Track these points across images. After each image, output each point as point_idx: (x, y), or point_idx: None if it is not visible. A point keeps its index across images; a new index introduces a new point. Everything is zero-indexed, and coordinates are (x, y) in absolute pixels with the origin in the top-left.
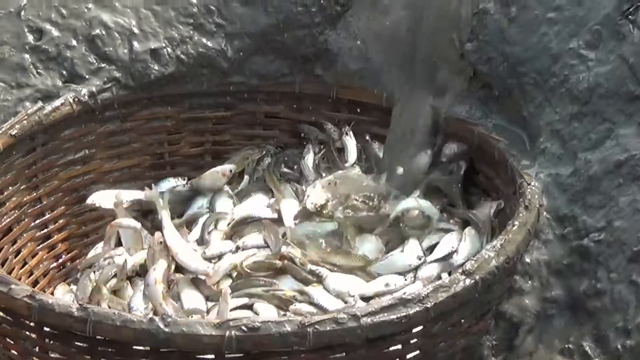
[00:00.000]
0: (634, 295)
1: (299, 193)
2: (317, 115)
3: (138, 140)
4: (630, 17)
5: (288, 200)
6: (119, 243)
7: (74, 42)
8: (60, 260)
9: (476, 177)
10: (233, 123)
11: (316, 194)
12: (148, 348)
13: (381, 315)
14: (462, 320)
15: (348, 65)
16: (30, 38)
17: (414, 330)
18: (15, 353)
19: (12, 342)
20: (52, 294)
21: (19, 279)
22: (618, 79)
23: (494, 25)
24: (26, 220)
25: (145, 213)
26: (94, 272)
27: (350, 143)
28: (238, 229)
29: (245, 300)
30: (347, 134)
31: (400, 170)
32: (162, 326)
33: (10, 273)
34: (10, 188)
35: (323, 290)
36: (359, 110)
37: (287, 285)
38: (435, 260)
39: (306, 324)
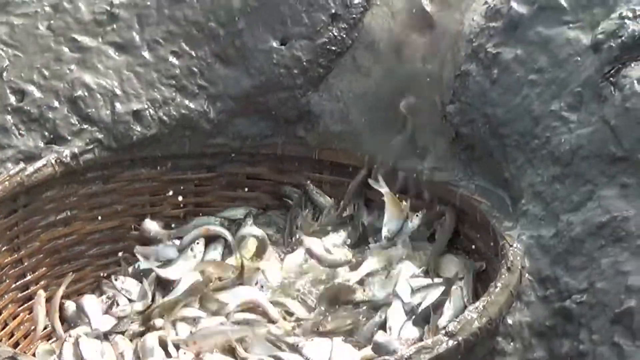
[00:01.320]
0: (616, 357)
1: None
2: (299, 177)
3: (120, 202)
4: (611, 79)
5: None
6: None
7: (56, 103)
8: None
9: (458, 239)
10: (215, 184)
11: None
12: None
13: None
14: None
15: (330, 127)
16: (12, 99)
17: None
18: None
19: None
20: (33, 355)
21: (0, 340)
22: (600, 140)
23: (476, 87)
24: (7, 281)
25: None
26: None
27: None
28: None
29: None
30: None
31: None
32: None
33: None
34: None
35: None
36: (341, 172)
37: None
38: (419, 320)
39: None
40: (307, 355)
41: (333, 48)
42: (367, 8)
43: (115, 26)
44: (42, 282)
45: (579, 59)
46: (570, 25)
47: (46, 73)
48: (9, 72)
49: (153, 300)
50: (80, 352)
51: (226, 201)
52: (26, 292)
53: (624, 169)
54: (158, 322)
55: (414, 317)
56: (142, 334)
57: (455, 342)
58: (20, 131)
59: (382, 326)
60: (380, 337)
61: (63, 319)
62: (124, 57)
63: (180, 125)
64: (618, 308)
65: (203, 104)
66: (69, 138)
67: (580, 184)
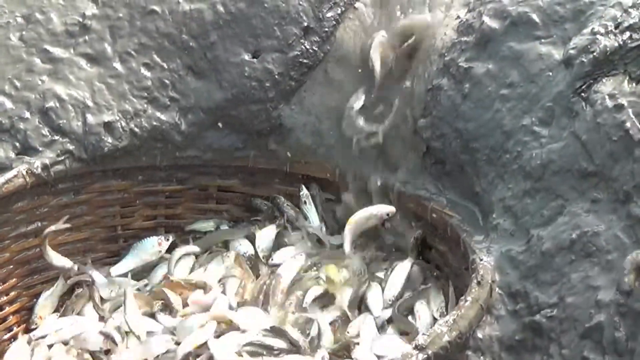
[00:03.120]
0: None
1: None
2: (270, 190)
3: (91, 213)
4: (582, 94)
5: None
6: None
7: (28, 114)
8: (12, 333)
9: (429, 253)
10: (186, 197)
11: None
12: None
13: None
14: None
15: (302, 140)
16: None
17: None
18: None
19: None
20: None
21: None
22: (571, 155)
23: (447, 102)
24: None
25: None
26: None
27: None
28: None
29: None
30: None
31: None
32: None
33: None
34: None
35: None
36: (312, 184)
37: None
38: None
39: None
40: None
41: (305, 61)
42: (339, 22)
43: (87, 38)
44: (12, 293)
45: (550, 74)
46: (542, 40)
47: (18, 84)
48: None
49: None
50: None
51: (197, 213)
52: None
53: (594, 184)
54: None
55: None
56: None
57: (425, 356)
58: None
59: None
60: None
61: None
62: (95, 69)
63: (151, 137)
64: (588, 323)
65: (174, 116)
66: (40, 149)
67: (550, 198)
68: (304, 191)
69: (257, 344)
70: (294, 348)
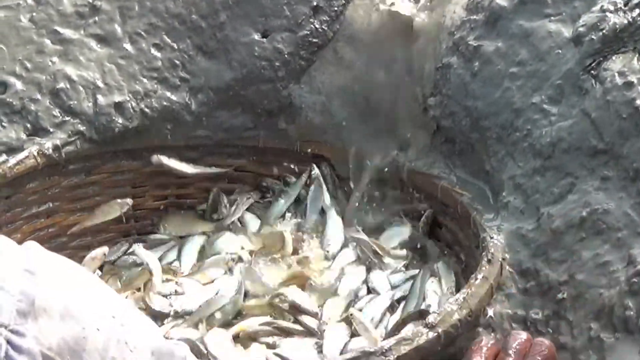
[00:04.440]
0: (596, 349)
1: None
2: (281, 169)
3: (102, 194)
4: (592, 72)
5: None
6: None
7: (38, 96)
8: None
9: (439, 231)
10: (197, 177)
11: None
12: None
13: None
14: None
15: (312, 120)
16: None
17: None
18: None
19: None
20: None
21: None
22: (580, 133)
23: (457, 80)
24: None
25: None
26: None
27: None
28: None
29: None
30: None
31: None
32: None
33: None
34: None
35: None
36: (323, 163)
37: None
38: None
39: None
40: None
41: (315, 40)
42: (349, 1)
43: (97, 19)
44: None
45: (560, 51)
46: (552, 18)
47: (28, 65)
48: None
49: None
50: None
51: (208, 193)
52: None
53: (604, 161)
54: None
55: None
56: None
57: (435, 334)
58: (2, 123)
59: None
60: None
61: None
62: (105, 50)
63: (162, 118)
64: (598, 300)
65: (185, 97)
66: (51, 130)
67: (560, 176)
68: (315, 170)
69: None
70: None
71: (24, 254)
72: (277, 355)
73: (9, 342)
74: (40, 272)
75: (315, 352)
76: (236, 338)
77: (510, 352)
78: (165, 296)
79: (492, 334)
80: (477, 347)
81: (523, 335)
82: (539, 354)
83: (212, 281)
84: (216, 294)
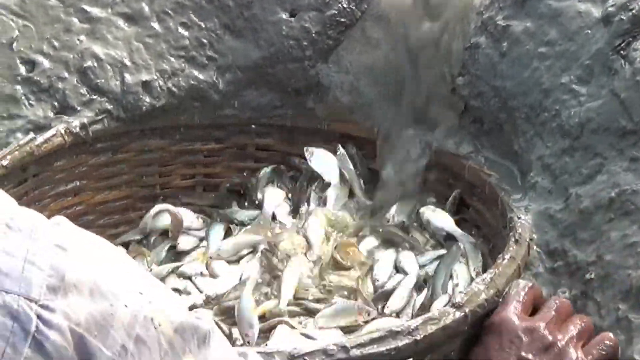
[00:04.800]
0: (624, 330)
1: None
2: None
3: (129, 172)
4: (621, 52)
5: None
6: None
7: (66, 74)
8: None
9: (467, 212)
10: (224, 155)
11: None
12: None
13: (370, 347)
14: (452, 353)
15: (339, 99)
16: (22, 69)
17: None
18: None
19: None
20: None
21: None
22: (609, 114)
23: (485, 60)
24: None
25: None
26: None
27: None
28: None
29: None
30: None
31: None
32: None
33: None
34: None
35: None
36: (350, 143)
37: None
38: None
39: (295, 355)
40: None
41: (342, 20)
42: None
43: None
44: None
45: (589, 32)
46: None
47: (56, 44)
48: (18, 43)
49: None
50: None
51: (235, 172)
52: None
53: (633, 142)
54: None
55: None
56: None
57: (462, 314)
58: (30, 101)
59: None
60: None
61: None
62: (133, 28)
63: (189, 96)
64: (626, 281)
65: (212, 75)
66: (79, 108)
67: (589, 157)
68: (341, 150)
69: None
70: None
71: (54, 229)
72: (303, 335)
73: (39, 317)
74: (71, 248)
75: (340, 332)
76: (261, 318)
77: (552, 309)
78: (189, 278)
79: (532, 280)
80: (515, 291)
81: (566, 301)
82: (604, 347)
83: (238, 260)
84: (240, 278)
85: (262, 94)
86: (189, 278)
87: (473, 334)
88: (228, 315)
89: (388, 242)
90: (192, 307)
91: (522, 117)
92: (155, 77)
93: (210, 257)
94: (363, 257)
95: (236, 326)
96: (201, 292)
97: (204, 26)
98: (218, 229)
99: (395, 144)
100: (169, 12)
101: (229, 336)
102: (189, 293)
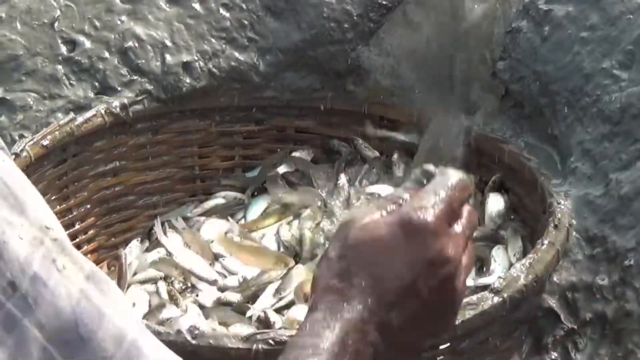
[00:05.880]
0: None
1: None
2: (348, 131)
3: (168, 153)
4: None
5: None
6: None
7: (107, 54)
8: None
9: (506, 196)
10: (264, 137)
11: None
12: None
13: None
14: (490, 339)
15: (380, 82)
16: (63, 49)
17: (441, 347)
18: None
19: None
20: None
21: None
22: None
23: (526, 44)
24: None
25: None
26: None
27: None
28: None
29: None
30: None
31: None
32: (189, 338)
33: None
34: None
35: None
36: (390, 126)
37: None
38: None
39: None
40: None
41: (384, 2)
42: None
43: None
44: (90, 232)
45: (631, 17)
46: None
47: (97, 24)
48: (60, 23)
49: None
50: None
51: (274, 154)
52: (74, 241)
53: None
54: None
55: None
56: None
57: (501, 299)
58: (71, 81)
59: None
60: None
61: None
62: (174, 9)
63: (229, 78)
64: None
65: (253, 57)
66: (119, 89)
67: (629, 142)
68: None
69: None
70: None
71: None
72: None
73: None
74: None
75: None
76: None
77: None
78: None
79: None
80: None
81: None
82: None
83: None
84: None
85: (302, 76)
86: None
87: (512, 319)
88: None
89: None
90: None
91: (562, 102)
92: (196, 58)
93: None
94: None
95: None
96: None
97: (245, 7)
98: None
99: (435, 128)
100: None
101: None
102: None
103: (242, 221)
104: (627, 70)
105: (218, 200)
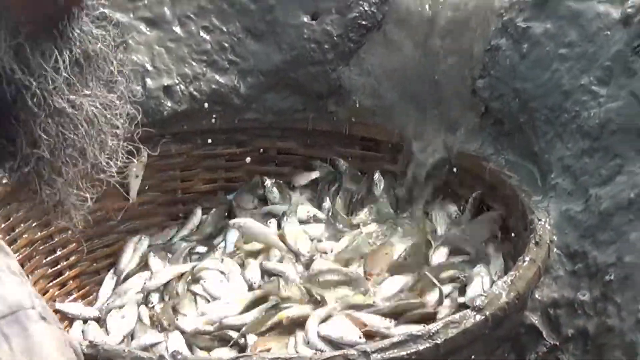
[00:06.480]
0: None
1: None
2: (330, 152)
3: (151, 177)
4: None
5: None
6: None
7: None
8: (72, 298)
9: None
10: (246, 159)
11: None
12: None
13: (391, 351)
14: (473, 357)
15: (361, 102)
16: None
17: None
18: None
19: None
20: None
21: None
22: (629, 115)
23: (505, 62)
24: (37, 257)
25: None
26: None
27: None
28: None
29: None
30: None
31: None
32: None
33: None
34: (22, 225)
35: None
36: (371, 146)
37: None
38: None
39: None
40: None
41: (364, 23)
42: None
43: (146, 1)
44: (72, 258)
45: (608, 33)
46: None
47: None
48: None
49: None
50: None
51: (257, 176)
52: (56, 267)
53: None
54: None
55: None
56: None
57: (483, 317)
58: None
59: None
60: None
61: None
62: (155, 33)
63: (210, 100)
64: None
65: (234, 79)
66: None
67: (609, 158)
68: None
69: None
70: None
71: None
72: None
73: None
74: None
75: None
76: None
77: None
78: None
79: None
80: None
81: None
82: None
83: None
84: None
85: (283, 98)
86: None
87: (495, 336)
88: None
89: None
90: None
91: (542, 119)
92: (177, 82)
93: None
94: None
95: None
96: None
97: (225, 30)
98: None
99: (416, 146)
100: (191, 16)
101: None
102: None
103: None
104: (606, 87)
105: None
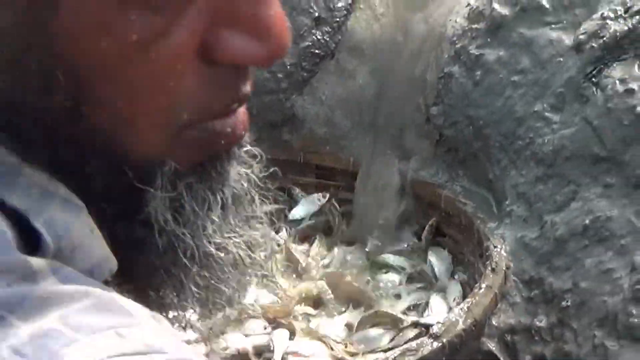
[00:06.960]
0: (600, 357)
1: None
2: (284, 180)
3: None
4: (593, 79)
5: None
6: None
7: None
8: None
9: (443, 241)
10: None
11: None
12: None
13: None
14: None
15: (315, 130)
16: None
17: None
18: None
19: None
20: None
21: None
22: (582, 141)
23: (459, 89)
24: None
25: None
26: None
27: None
28: None
29: None
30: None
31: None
32: None
33: None
34: None
35: None
36: (325, 174)
37: None
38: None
39: None
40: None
41: (317, 51)
42: (350, 11)
43: None
44: None
45: (561, 59)
46: (553, 26)
47: None
48: None
49: None
50: None
51: None
52: None
53: (606, 169)
54: None
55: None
56: None
57: (440, 344)
58: None
59: None
60: None
61: None
62: None
63: None
64: (602, 308)
65: None
66: None
67: (563, 184)
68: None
69: None
70: None
71: None
72: None
73: None
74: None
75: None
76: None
77: None
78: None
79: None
80: None
81: None
82: None
83: None
84: None
85: None
86: None
87: None
88: None
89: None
90: None
91: (496, 146)
92: None
93: None
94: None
95: None
96: None
97: None
98: None
99: (371, 175)
100: None
101: None
102: None
103: None
104: (559, 113)
105: None
